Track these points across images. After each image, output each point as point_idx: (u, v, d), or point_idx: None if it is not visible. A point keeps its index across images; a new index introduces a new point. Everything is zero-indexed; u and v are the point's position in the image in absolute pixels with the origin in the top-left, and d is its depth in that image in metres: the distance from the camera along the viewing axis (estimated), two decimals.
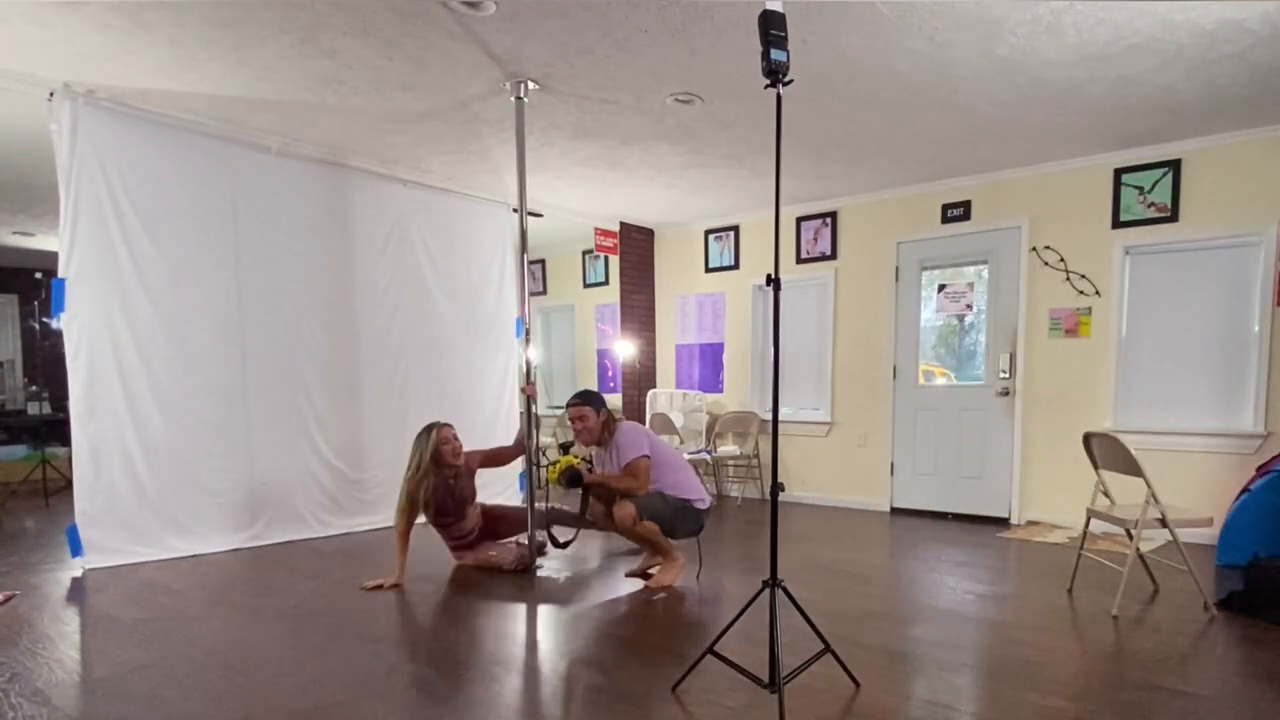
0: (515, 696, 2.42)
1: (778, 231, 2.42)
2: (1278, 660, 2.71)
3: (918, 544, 4.75)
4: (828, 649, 2.51)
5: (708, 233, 6.90)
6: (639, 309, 7.17)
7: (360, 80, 3.71)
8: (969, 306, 5.56)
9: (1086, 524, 3.62)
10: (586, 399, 3.82)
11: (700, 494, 3.84)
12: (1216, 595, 3.40)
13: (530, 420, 4.17)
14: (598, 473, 3.84)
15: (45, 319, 8.41)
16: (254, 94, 3.89)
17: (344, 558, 4.31)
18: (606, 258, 7.24)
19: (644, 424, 6.59)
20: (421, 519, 4.02)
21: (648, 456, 3.74)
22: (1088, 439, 3.54)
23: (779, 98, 2.26)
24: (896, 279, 5.81)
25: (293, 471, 4.75)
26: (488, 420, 5.85)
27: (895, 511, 5.88)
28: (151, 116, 4.07)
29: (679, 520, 3.74)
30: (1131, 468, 3.24)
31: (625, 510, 3.60)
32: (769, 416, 6.62)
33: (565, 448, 3.82)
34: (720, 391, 6.94)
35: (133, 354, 4.07)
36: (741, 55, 3.42)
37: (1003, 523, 5.34)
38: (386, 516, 5.16)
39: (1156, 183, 4.73)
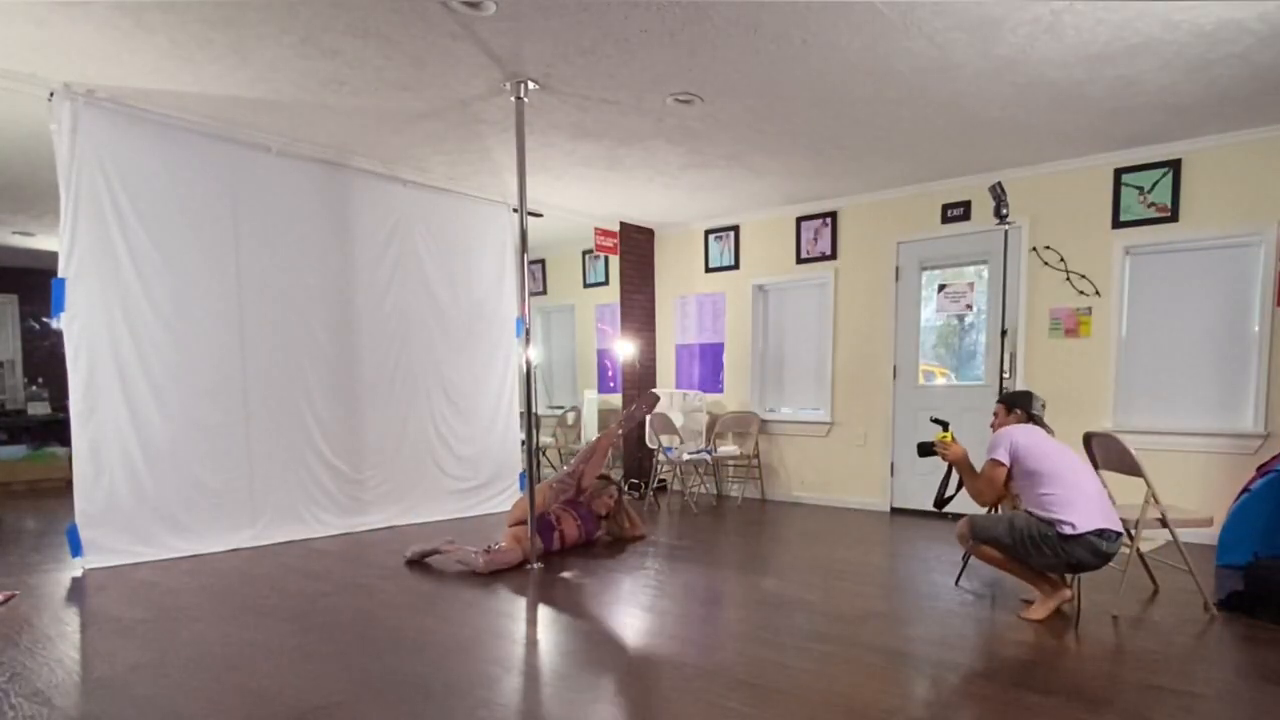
0: (515, 696, 2.42)
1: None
2: (1278, 660, 2.71)
3: (918, 544, 4.75)
4: None
5: (708, 233, 6.90)
6: (639, 309, 7.17)
7: (360, 80, 3.71)
8: (969, 306, 5.56)
9: None
10: (1004, 399, 3.56)
11: (1076, 516, 2.98)
12: (1216, 595, 3.40)
13: (530, 420, 4.18)
14: (959, 452, 3.38)
15: (45, 319, 8.42)
16: (254, 94, 3.89)
17: (343, 558, 4.31)
18: (606, 258, 7.24)
19: (644, 424, 6.58)
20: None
21: (999, 464, 3.17)
22: (1088, 439, 3.54)
23: None
24: (896, 279, 5.81)
25: (293, 471, 4.75)
26: (488, 420, 5.86)
27: (895, 511, 5.88)
28: (151, 116, 4.07)
29: (1028, 549, 3.07)
30: (1131, 468, 3.24)
31: (959, 527, 3.30)
32: (769, 416, 6.64)
33: (944, 423, 3.59)
34: (720, 391, 6.94)
35: (133, 354, 4.07)
36: (741, 55, 3.42)
37: None
38: (386, 516, 5.18)
39: (1156, 183, 4.73)
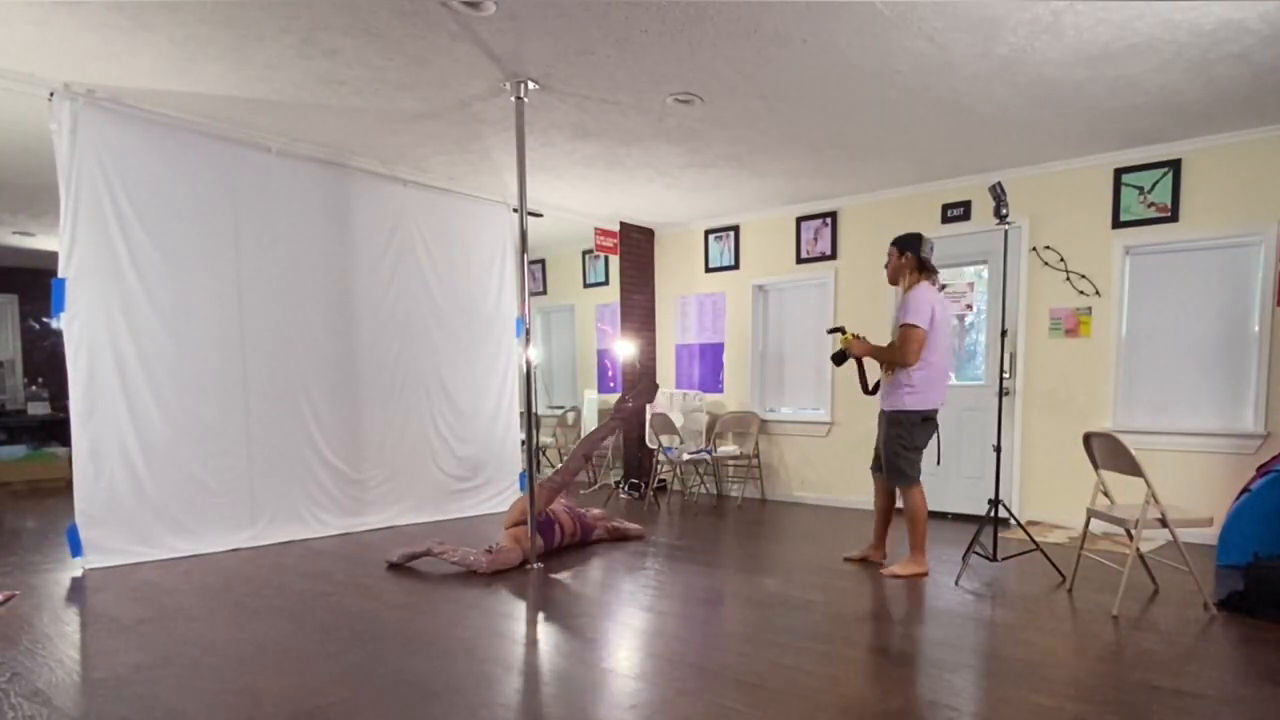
0: (515, 696, 2.43)
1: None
2: (1278, 660, 2.71)
3: None
4: None
5: (708, 233, 6.90)
6: (639, 309, 7.17)
7: (360, 80, 3.71)
8: (969, 306, 5.55)
9: (1086, 524, 3.62)
10: (896, 241, 3.89)
11: (936, 401, 3.81)
12: (1216, 595, 3.40)
13: (530, 418, 4.18)
14: (864, 347, 3.88)
15: (45, 319, 8.42)
16: (254, 94, 3.89)
17: (343, 558, 4.31)
18: (606, 258, 7.25)
19: (644, 423, 6.59)
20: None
21: (919, 328, 3.63)
22: (1088, 439, 3.54)
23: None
24: None
25: (293, 471, 4.74)
26: (488, 420, 5.86)
27: (896, 512, 5.86)
28: (151, 116, 4.07)
29: (907, 462, 3.86)
30: (1131, 468, 3.24)
31: (900, 501, 4.07)
32: (769, 416, 6.64)
33: (840, 329, 3.97)
34: (720, 391, 6.94)
35: (133, 354, 4.07)
36: (741, 55, 3.42)
37: (1003, 523, 5.33)
38: (386, 516, 5.19)
39: (1156, 183, 4.73)
